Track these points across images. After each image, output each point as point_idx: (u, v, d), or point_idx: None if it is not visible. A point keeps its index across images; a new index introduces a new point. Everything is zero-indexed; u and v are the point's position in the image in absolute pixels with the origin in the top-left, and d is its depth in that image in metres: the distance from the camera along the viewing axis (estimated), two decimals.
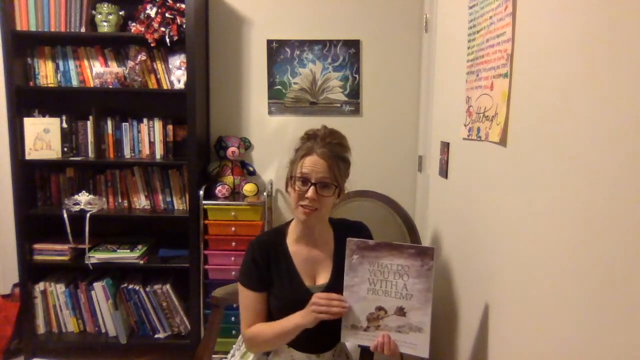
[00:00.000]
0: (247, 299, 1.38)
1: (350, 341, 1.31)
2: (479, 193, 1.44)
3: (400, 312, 1.24)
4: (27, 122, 2.39)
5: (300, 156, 1.33)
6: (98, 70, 2.41)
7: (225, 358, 1.56)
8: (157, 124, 2.51)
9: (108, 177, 2.54)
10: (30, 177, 2.50)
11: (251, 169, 2.69)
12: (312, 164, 1.30)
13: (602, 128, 0.78)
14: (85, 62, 2.46)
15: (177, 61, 2.43)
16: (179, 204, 2.57)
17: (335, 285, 1.33)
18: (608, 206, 0.76)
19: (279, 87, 2.67)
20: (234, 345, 1.58)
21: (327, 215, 1.43)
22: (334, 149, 1.33)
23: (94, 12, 2.38)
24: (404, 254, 1.24)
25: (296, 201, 1.33)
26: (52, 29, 2.36)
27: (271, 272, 1.38)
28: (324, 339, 1.39)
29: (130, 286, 2.49)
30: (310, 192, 1.29)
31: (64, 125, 2.48)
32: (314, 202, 1.30)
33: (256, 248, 1.40)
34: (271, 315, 1.39)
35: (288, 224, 1.47)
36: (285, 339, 1.33)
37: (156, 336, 2.53)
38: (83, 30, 2.38)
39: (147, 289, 2.49)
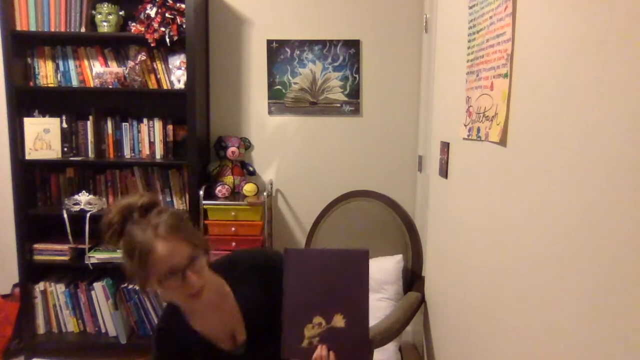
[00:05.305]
0: None
1: (291, 357, 1.22)
2: (479, 193, 1.44)
3: (339, 321, 1.19)
4: (27, 122, 2.39)
5: (144, 262, 1.05)
6: (98, 70, 2.41)
7: None
8: (157, 124, 2.51)
9: (108, 177, 2.54)
10: (30, 177, 2.50)
11: (251, 169, 2.69)
12: (165, 257, 1.05)
13: (602, 128, 0.78)
14: (85, 62, 2.46)
15: (177, 61, 2.43)
16: (179, 204, 2.56)
17: (252, 335, 1.24)
18: (609, 206, 0.76)
19: (279, 87, 2.67)
20: None
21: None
22: (164, 220, 1.08)
23: (94, 12, 2.38)
24: (338, 259, 1.19)
25: (180, 298, 1.13)
26: (52, 29, 2.36)
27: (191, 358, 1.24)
28: None
29: (130, 286, 2.49)
30: (191, 279, 1.08)
31: (64, 125, 2.49)
32: (198, 283, 1.09)
33: (165, 343, 1.24)
34: None
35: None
36: None
37: None
38: (83, 30, 2.38)
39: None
